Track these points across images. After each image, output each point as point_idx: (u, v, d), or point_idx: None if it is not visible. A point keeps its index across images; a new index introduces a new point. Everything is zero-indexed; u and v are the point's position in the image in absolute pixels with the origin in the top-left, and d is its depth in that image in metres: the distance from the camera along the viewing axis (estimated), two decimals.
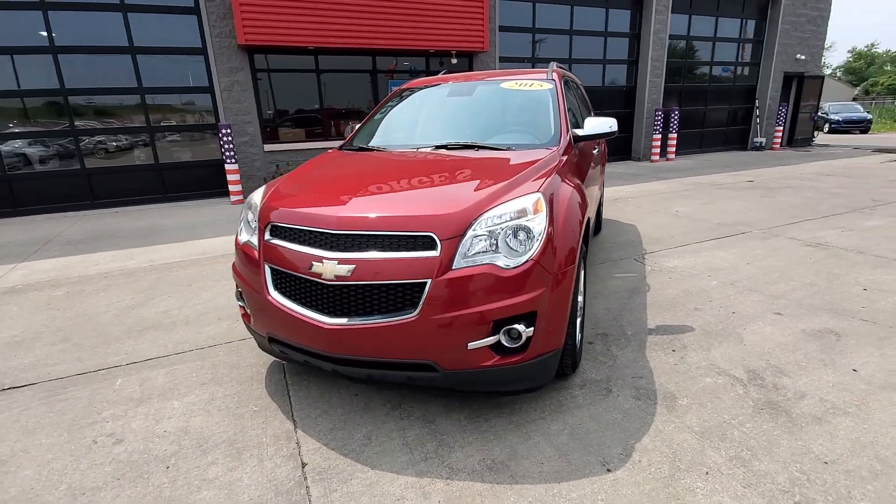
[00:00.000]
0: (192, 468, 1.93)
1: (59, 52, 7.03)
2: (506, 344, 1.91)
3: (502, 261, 1.86)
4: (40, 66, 6.98)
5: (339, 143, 8.84)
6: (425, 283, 1.82)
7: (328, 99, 8.90)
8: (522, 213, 1.95)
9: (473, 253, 1.87)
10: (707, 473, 1.82)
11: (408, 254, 1.85)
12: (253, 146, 8.26)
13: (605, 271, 4.10)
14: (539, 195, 2.03)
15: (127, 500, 1.77)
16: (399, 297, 1.85)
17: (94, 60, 7.22)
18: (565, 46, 11.14)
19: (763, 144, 14.67)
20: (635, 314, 3.23)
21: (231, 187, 7.81)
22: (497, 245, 1.89)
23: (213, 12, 7.41)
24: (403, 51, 8.80)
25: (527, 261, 1.87)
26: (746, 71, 14.46)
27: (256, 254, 2.17)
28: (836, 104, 25.83)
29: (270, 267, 2.10)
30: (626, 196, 7.69)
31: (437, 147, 2.79)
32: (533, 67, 10.75)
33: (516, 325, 1.88)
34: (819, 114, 16.71)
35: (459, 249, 1.85)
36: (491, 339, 1.88)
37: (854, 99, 39.58)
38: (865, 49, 62.18)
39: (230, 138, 7.53)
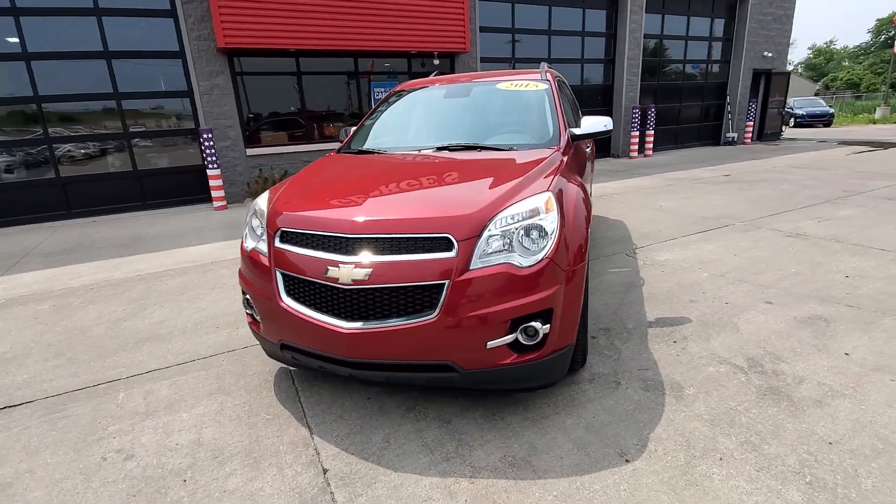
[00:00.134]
0: (211, 480, 1.89)
1: (32, 58, 6.77)
2: (523, 342, 1.94)
3: (518, 260, 1.89)
4: (12, 73, 6.71)
5: (324, 145, 8.83)
6: (444, 284, 1.84)
7: (310, 101, 8.80)
8: (535, 212, 1.98)
9: (489, 253, 1.89)
10: (721, 459, 1.88)
11: (425, 256, 1.86)
12: (235, 151, 8.11)
13: (599, 267, 4.18)
14: (549, 194, 2.06)
15: None
16: (417, 299, 1.86)
17: (69, 66, 6.97)
18: (544, 46, 11.28)
19: (735, 139, 15.13)
20: (634, 308, 3.31)
21: (214, 193, 7.65)
22: (512, 244, 1.91)
23: (190, 15, 7.25)
24: (385, 52, 8.77)
25: (542, 259, 1.91)
26: (717, 68, 14.89)
27: (266, 260, 2.15)
28: (800, 99, 26.81)
29: (282, 273, 2.08)
30: (611, 192, 7.83)
31: (439, 148, 2.81)
32: (513, 68, 10.85)
33: (533, 323, 1.91)
34: (785, 109, 17.32)
35: (476, 250, 1.87)
36: (509, 338, 1.90)
37: (816, 94, 41.08)
38: (825, 46, 64.72)
39: (212, 143, 7.38)
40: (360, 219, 1.93)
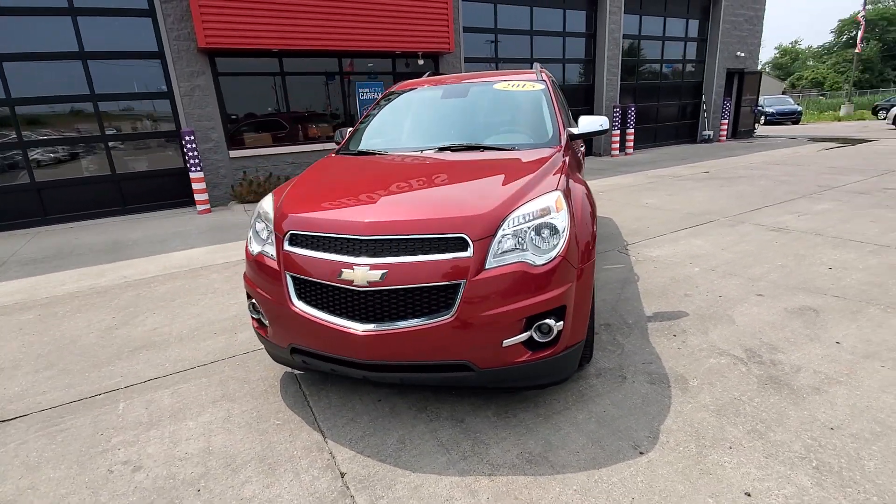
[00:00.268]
0: (226, 489, 1.86)
1: (4, 59, 6.51)
2: (537, 339, 1.96)
3: (532, 258, 1.91)
4: None
5: (309, 147, 8.73)
6: (460, 284, 1.85)
7: (294, 102, 8.69)
8: (546, 211, 2.00)
9: (503, 252, 1.90)
10: (731, 448, 1.94)
11: (440, 256, 1.86)
12: (217, 153, 7.94)
13: None
14: (559, 193, 2.09)
15: None
16: (433, 299, 1.87)
17: (43, 68, 6.72)
18: (527, 47, 11.38)
19: (711, 137, 15.53)
20: (631, 303, 3.37)
21: (197, 196, 7.48)
22: (525, 243, 1.93)
23: (169, 14, 7.07)
24: (370, 52, 8.72)
25: (555, 257, 1.93)
26: (693, 68, 15.26)
27: (275, 264, 2.12)
28: (770, 97, 27.69)
29: (292, 276, 2.05)
30: (596, 190, 7.95)
31: (441, 149, 2.81)
32: (497, 68, 10.91)
33: (547, 320, 1.93)
34: (756, 107, 17.86)
35: (490, 249, 1.88)
36: (524, 336, 1.92)
37: (784, 92, 42.50)
38: (790, 46, 66.96)
39: (194, 145, 7.21)
40: (374, 220, 1.93)
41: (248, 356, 2.90)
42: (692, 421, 2.11)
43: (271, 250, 2.18)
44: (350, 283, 1.89)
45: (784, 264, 3.97)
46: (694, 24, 14.71)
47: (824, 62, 56.83)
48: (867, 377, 2.36)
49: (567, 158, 2.61)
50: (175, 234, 6.28)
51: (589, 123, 3.04)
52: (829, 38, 63.70)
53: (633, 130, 12.91)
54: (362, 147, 3.09)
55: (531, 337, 1.94)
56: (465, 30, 10.06)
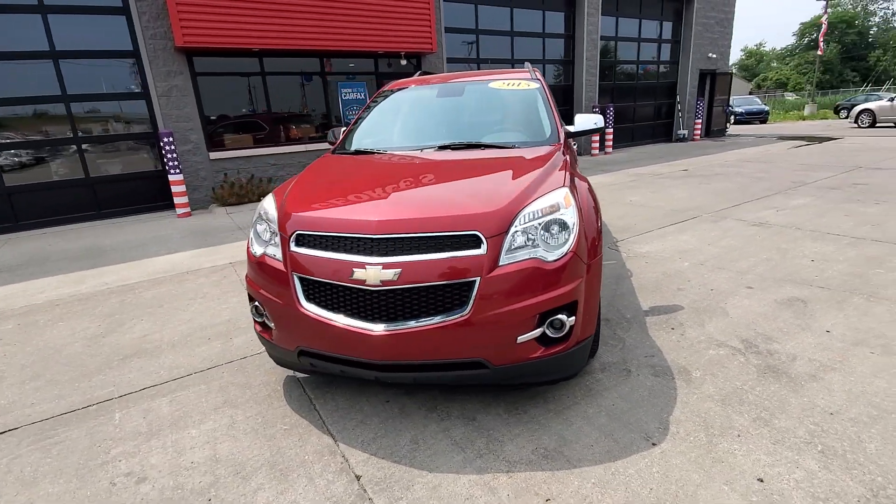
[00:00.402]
0: (238, 497, 1.81)
1: None
2: (550, 335, 1.96)
3: (544, 254, 1.92)
4: None
5: (291, 148, 8.59)
6: (474, 281, 1.84)
7: (276, 103, 8.54)
8: (555, 207, 2.01)
9: (515, 248, 1.91)
10: (739, 436, 1.98)
11: (454, 253, 1.86)
12: (197, 154, 7.74)
13: None
14: (567, 189, 2.11)
15: None
16: (448, 297, 1.86)
17: (11, 68, 6.42)
18: (507, 47, 11.46)
19: (686, 136, 15.95)
20: (627, 298, 3.42)
21: (176, 199, 7.27)
22: (536, 239, 1.94)
23: (144, 12, 6.86)
24: (353, 52, 8.64)
25: (566, 253, 1.94)
26: (667, 69, 15.63)
27: (280, 265, 2.07)
28: (738, 98, 28.58)
29: (300, 277, 2.01)
30: None
31: (441, 147, 2.80)
32: (479, 68, 10.96)
33: (559, 316, 1.95)
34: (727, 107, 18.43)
35: (503, 246, 1.89)
36: (537, 332, 1.93)
37: (750, 93, 43.95)
38: (755, 48, 69.28)
39: (173, 147, 7.01)
40: (386, 219, 1.90)
41: (246, 361, 2.83)
42: (699, 411, 2.15)
43: (276, 251, 2.13)
44: (362, 282, 1.86)
45: (769, 257, 4.09)
46: (668, 26, 15.08)
47: (787, 64, 58.98)
48: (859, 363, 2.45)
49: (568, 156, 2.64)
50: (155, 238, 6.09)
51: (584, 122, 3.08)
52: (792, 40, 66.21)
53: (611, 130, 13.14)
54: (359, 146, 3.05)
55: (544, 333, 1.95)
56: (447, 30, 10.07)
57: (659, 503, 1.68)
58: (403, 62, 9.35)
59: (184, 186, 7.28)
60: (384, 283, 1.83)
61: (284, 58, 8.26)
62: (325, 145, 8.85)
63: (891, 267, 3.70)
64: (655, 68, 15.29)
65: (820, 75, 36.70)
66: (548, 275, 1.90)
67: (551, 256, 1.92)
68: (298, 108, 8.88)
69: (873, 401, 2.15)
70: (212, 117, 8.03)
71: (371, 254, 1.88)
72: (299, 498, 1.79)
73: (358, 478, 1.87)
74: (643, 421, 2.11)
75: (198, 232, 6.32)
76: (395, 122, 3.27)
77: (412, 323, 1.86)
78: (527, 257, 1.89)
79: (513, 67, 11.34)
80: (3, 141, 6.66)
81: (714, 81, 16.41)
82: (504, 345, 1.90)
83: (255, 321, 2.31)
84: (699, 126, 15.89)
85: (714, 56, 15.96)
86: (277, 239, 2.14)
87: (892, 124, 16.74)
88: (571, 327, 1.98)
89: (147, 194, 7.67)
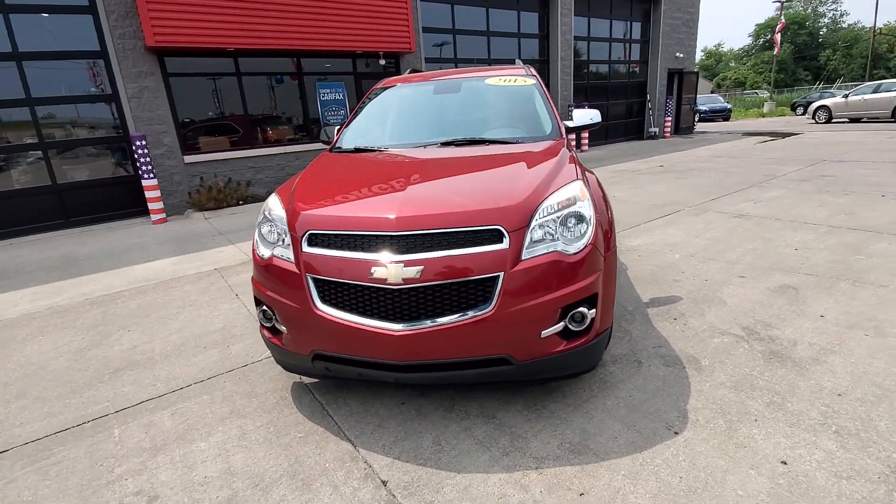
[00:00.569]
0: None
1: None
2: (572, 328, 1.96)
3: (564, 247, 1.91)
4: None
5: (270, 150, 8.39)
6: (498, 276, 1.82)
7: (252, 104, 8.31)
8: (572, 200, 2.01)
9: (536, 242, 1.89)
10: (756, 420, 2.03)
11: (476, 249, 1.83)
12: (171, 158, 7.46)
13: None
14: (581, 182, 2.11)
15: None
16: (471, 293, 1.83)
17: None
18: (484, 47, 11.51)
19: (657, 133, 16.38)
20: (626, 291, 3.47)
21: (151, 205, 6.99)
22: (555, 233, 1.93)
23: (112, 11, 6.56)
24: (330, 52, 8.50)
25: (586, 245, 1.94)
26: (637, 69, 16.03)
27: (292, 266, 2.00)
28: (702, 96, 29.57)
29: (315, 278, 1.95)
30: None
31: (444, 144, 2.77)
32: (456, 67, 10.96)
33: (581, 309, 1.94)
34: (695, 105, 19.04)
35: (525, 240, 1.87)
36: (560, 326, 1.92)
37: (712, 92, 45.54)
38: (714, 48, 71.85)
39: (146, 151, 6.73)
40: (406, 215, 1.86)
41: (248, 369, 2.73)
42: (714, 398, 2.19)
43: (286, 252, 2.06)
44: (383, 281, 1.81)
45: (755, 248, 4.22)
46: (637, 27, 15.47)
47: (744, 63, 61.40)
48: (856, 346, 2.55)
49: (572, 151, 2.64)
50: (132, 246, 5.83)
51: (581, 117, 3.10)
52: (748, 41, 68.90)
53: None
54: (358, 144, 2.98)
55: (566, 326, 1.94)
56: (425, 30, 10.04)
57: (691, 491, 1.69)
58: (382, 62, 9.26)
59: (158, 192, 7.01)
60: (406, 280, 1.79)
61: (261, 58, 8.06)
62: (306, 147, 8.70)
63: (869, 253, 3.87)
64: (626, 68, 15.64)
65: (775, 74, 38.36)
66: (569, 268, 1.89)
67: (571, 249, 1.92)
68: (276, 109, 8.68)
69: (875, 380, 2.24)
70: (185, 120, 7.76)
71: (391, 251, 1.83)
72: None
73: (384, 483, 1.82)
74: (662, 410, 2.13)
75: (177, 238, 6.09)
76: (394, 119, 3.21)
77: (435, 321, 1.82)
78: (548, 251, 1.88)
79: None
80: None
81: (682, 80, 16.92)
82: (528, 340, 1.88)
83: (263, 326, 2.22)
84: (669, 123, 16.35)
85: (681, 56, 16.46)
86: (287, 239, 2.07)
87: (847, 120, 17.62)
88: (592, 320, 1.98)
89: (119, 201, 7.35)
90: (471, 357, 1.87)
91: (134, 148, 6.70)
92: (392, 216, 1.86)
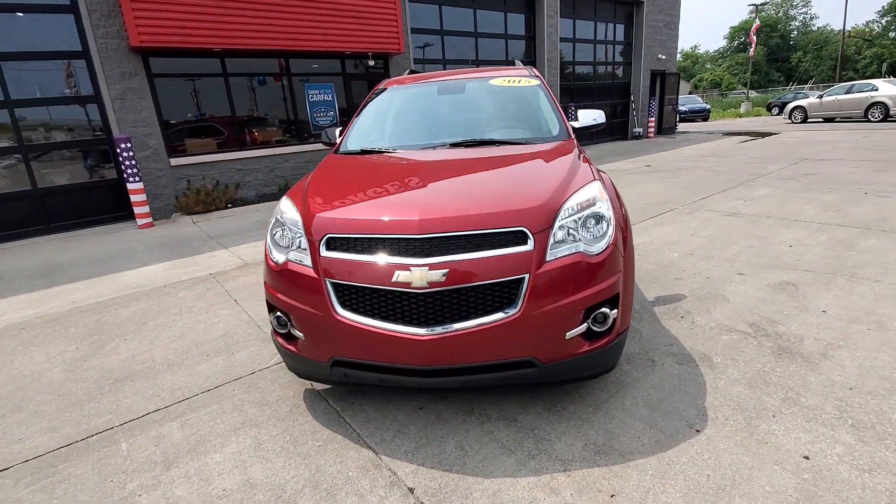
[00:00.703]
0: None
1: None
2: (594, 329, 1.96)
3: (586, 248, 1.91)
4: None
5: (259, 152, 8.24)
6: (523, 278, 1.80)
7: (239, 105, 8.16)
8: (592, 201, 2.01)
9: (557, 243, 1.88)
10: (774, 416, 2.05)
11: (501, 251, 1.81)
12: (157, 161, 7.27)
13: None
14: (599, 183, 2.11)
15: None
16: (497, 295, 1.81)
17: None
18: (472, 48, 11.53)
19: (641, 133, 16.62)
20: None
21: (137, 210, 6.80)
22: (577, 233, 1.93)
23: (94, 10, 6.37)
24: (319, 52, 8.40)
25: (607, 246, 1.94)
26: (621, 70, 16.25)
27: (310, 271, 1.95)
28: (682, 97, 30.16)
29: (335, 283, 1.90)
30: None
31: (453, 145, 2.74)
32: (444, 69, 10.95)
33: (603, 309, 1.94)
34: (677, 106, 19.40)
35: (549, 241, 1.86)
36: (583, 327, 1.91)
37: (690, 93, 46.54)
38: (691, 50, 73.40)
39: (131, 153, 6.55)
40: (429, 217, 1.83)
41: (255, 376, 2.66)
42: (730, 395, 2.21)
43: (300, 257, 2.01)
44: (407, 285, 1.78)
45: (750, 245, 4.30)
46: (620, 29, 15.68)
47: (720, 65, 62.86)
48: (860, 340, 2.60)
49: (583, 151, 2.65)
50: (120, 251, 5.66)
51: (586, 118, 3.12)
52: (723, 43, 70.63)
53: None
54: (365, 146, 2.94)
55: (589, 327, 1.94)
56: (413, 31, 10.00)
57: (720, 489, 1.70)
58: (371, 63, 9.19)
59: (144, 195, 6.82)
60: (432, 284, 1.76)
61: (248, 58, 7.92)
62: (295, 148, 8.58)
63: (861, 249, 3.97)
64: (611, 69, 15.85)
65: (749, 76, 39.44)
66: (592, 268, 1.89)
67: (594, 250, 1.92)
68: (263, 110, 8.54)
69: (883, 373, 2.29)
70: (171, 121, 7.58)
71: (414, 255, 1.80)
72: None
73: (411, 490, 1.79)
74: (681, 409, 2.14)
75: (166, 243, 5.93)
76: (399, 120, 3.18)
77: (461, 325, 1.80)
78: (571, 252, 1.88)
79: (477, 68, 11.42)
80: None
81: (664, 81, 17.21)
82: (553, 342, 1.87)
83: (277, 333, 2.17)
84: (653, 124, 16.62)
85: (663, 57, 16.75)
86: (303, 243, 2.02)
87: (822, 119, 18.16)
88: (615, 320, 1.98)
89: (102, 205, 7.13)
90: (496, 360, 1.85)
91: (118, 151, 6.51)
92: (415, 219, 1.83)
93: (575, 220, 1.93)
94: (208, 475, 1.94)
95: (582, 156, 2.48)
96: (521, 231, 1.83)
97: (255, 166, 8.21)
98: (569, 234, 1.91)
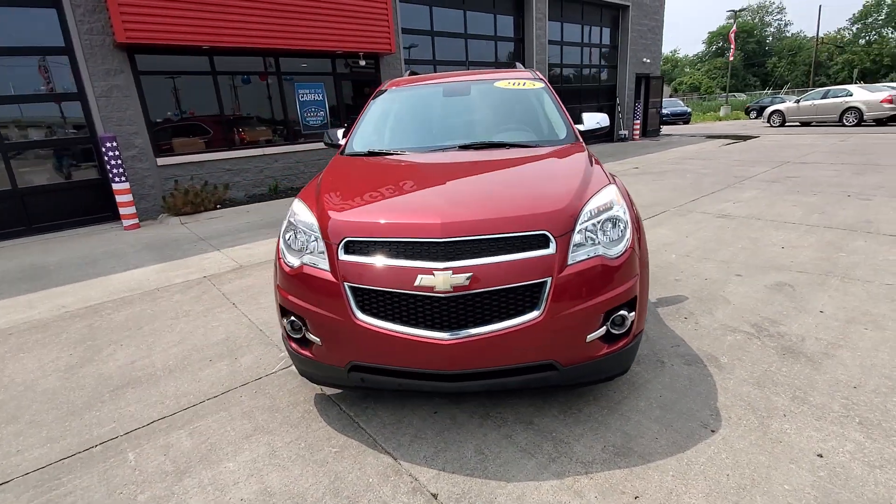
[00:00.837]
0: None
1: None
2: (613, 332, 1.97)
3: (606, 251, 1.92)
4: None
5: (248, 151, 8.11)
6: (546, 281, 1.80)
7: (228, 104, 8.01)
8: (610, 204, 2.02)
9: (579, 247, 1.89)
10: (785, 416, 2.09)
11: (524, 254, 1.81)
12: (143, 161, 7.09)
13: None
14: (615, 186, 2.13)
15: None
16: (520, 299, 1.81)
17: None
18: (462, 49, 11.54)
19: (627, 136, 16.87)
20: None
21: (122, 210, 6.62)
22: (597, 237, 1.94)
23: (79, 5, 6.18)
24: (309, 52, 8.30)
25: (626, 249, 1.96)
26: (607, 73, 16.46)
27: (327, 275, 1.92)
28: (664, 100, 30.73)
29: (354, 287, 1.88)
30: None
31: (462, 147, 2.74)
32: (435, 70, 10.93)
33: (622, 312, 1.95)
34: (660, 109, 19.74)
35: (570, 245, 1.86)
36: (603, 330, 1.92)
37: (671, 96, 47.47)
38: (670, 54, 74.84)
39: (116, 153, 6.37)
40: (452, 221, 1.82)
41: (262, 382, 2.61)
42: (740, 395, 2.25)
43: (316, 260, 1.98)
44: (430, 289, 1.76)
45: (744, 246, 4.39)
46: (606, 32, 15.89)
47: (699, 69, 64.25)
48: (859, 339, 2.68)
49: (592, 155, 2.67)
50: (107, 253, 5.50)
51: (592, 120, 3.14)
52: (702, 48, 72.13)
53: None
54: (373, 147, 2.91)
55: (608, 330, 1.95)
56: (403, 31, 9.96)
57: (741, 488, 1.73)
58: (362, 63, 9.13)
59: (130, 196, 6.64)
60: (456, 288, 1.75)
61: (238, 56, 7.79)
62: (285, 148, 8.47)
63: (850, 250, 4.09)
64: (597, 72, 16.04)
65: (728, 80, 40.43)
66: (612, 271, 1.90)
67: (613, 253, 1.93)
68: (253, 109, 8.40)
69: (884, 371, 2.36)
70: (158, 120, 7.40)
71: (437, 258, 1.79)
72: None
73: (435, 496, 1.77)
74: (694, 409, 2.17)
75: (154, 245, 5.79)
76: (406, 121, 3.15)
77: (484, 328, 1.79)
78: (592, 255, 1.88)
79: (468, 70, 11.43)
80: None
81: (648, 85, 17.49)
82: (574, 345, 1.88)
83: (291, 338, 2.13)
84: (638, 126, 16.88)
85: (647, 61, 17.03)
86: (319, 247, 1.99)
87: (799, 123, 18.69)
88: (632, 323, 1.99)
89: (86, 205, 6.92)
90: (518, 364, 1.85)
91: (103, 150, 6.33)
92: (437, 222, 1.82)
93: (594, 224, 1.94)
94: (223, 485, 1.89)
95: (593, 159, 2.49)
96: (544, 235, 1.83)
97: (244, 166, 8.07)
98: (587, 237, 1.92)
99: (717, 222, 5.26)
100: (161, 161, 7.29)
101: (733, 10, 37.27)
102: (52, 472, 2.00)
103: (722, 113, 32.45)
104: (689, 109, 29.96)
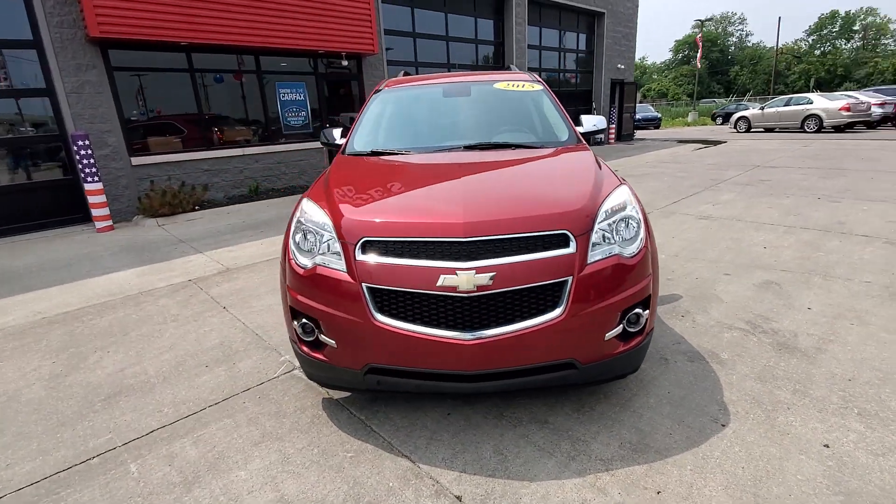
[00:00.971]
0: None
1: None
2: (629, 330, 2.00)
3: (621, 250, 1.94)
4: None
5: (227, 151, 7.89)
6: (567, 280, 1.81)
7: (206, 103, 7.78)
8: (624, 204, 2.06)
9: (597, 246, 1.91)
10: (789, 409, 2.16)
11: (544, 254, 1.81)
12: (117, 160, 6.81)
13: None
14: (626, 186, 2.16)
15: None
16: (542, 298, 1.81)
17: None
18: (443, 51, 11.56)
19: (602, 140, 17.20)
20: None
21: (95, 212, 6.33)
22: (613, 236, 1.96)
23: None
24: (290, 51, 8.16)
25: (640, 248, 1.99)
26: (583, 78, 16.79)
27: (344, 276, 1.88)
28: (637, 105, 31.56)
29: (372, 288, 1.84)
30: None
31: (467, 147, 2.73)
32: (417, 72, 10.91)
33: (637, 310, 1.98)
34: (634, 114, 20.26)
35: (589, 244, 1.88)
36: (620, 328, 1.95)
37: (640, 102, 48.83)
38: (639, 61, 77.01)
39: (89, 151, 6.10)
40: (472, 220, 1.81)
41: (266, 387, 2.53)
42: (745, 390, 2.31)
43: (330, 261, 1.93)
44: (453, 289, 1.74)
45: (728, 247, 4.54)
46: (583, 38, 16.21)
47: (666, 76, 66.34)
48: (846, 334, 2.80)
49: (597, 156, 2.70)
50: (80, 256, 5.25)
51: (591, 122, 3.19)
52: (669, 55, 74.59)
53: None
54: (375, 147, 2.87)
55: (624, 328, 1.97)
56: (386, 32, 9.91)
57: (757, 479, 1.77)
58: (344, 63, 9.02)
59: (104, 196, 6.36)
60: (479, 288, 1.74)
61: (217, 54, 7.58)
62: (266, 148, 8.29)
63: (827, 250, 4.28)
64: (574, 77, 16.34)
65: (696, 86, 41.91)
66: (629, 270, 1.93)
67: (629, 252, 1.96)
68: (232, 108, 8.18)
69: (874, 364, 2.47)
70: (132, 118, 7.12)
71: (459, 258, 1.77)
72: None
73: (459, 498, 1.75)
74: (703, 404, 2.22)
75: (132, 248, 5.56)
76: (407, 121, 3.12)
77: (506, 328, 1.78)
78: (608, 254, 1.91)
79: (449, 71, 11.46)
80: None
81: (623, 90, 17.92)
82: (593, 343, 1.89)
83: (303, 341, 2.07)
84: (613, 131, 17.25)
85: (622, 67, 17.46)
86: (332, 246, 1.94)
87: (763, 129, 19.52)
88: (647, 321, 2.02)
89: (54, 207, 6.59)
90: (539, 363, 1.85)
91: (75, 148, 6.04)
92: (459, 221, 1.80)
93: (609, 224, 1.97)
94: (237, 494, 1.82)
95: (599, 159, 2.53)
96: (564, 234, 1.84)
97: (223, 167, 7.85)
98: (604, 237, 1.94)
99: (701, 224, 5.42)
100: (136, 160, 7.02)
101: (699, 20, 38.72)
102: (49, 487, 1.89)
103: (690, 119, 33.54)
104: (660, 115, 30.86)
